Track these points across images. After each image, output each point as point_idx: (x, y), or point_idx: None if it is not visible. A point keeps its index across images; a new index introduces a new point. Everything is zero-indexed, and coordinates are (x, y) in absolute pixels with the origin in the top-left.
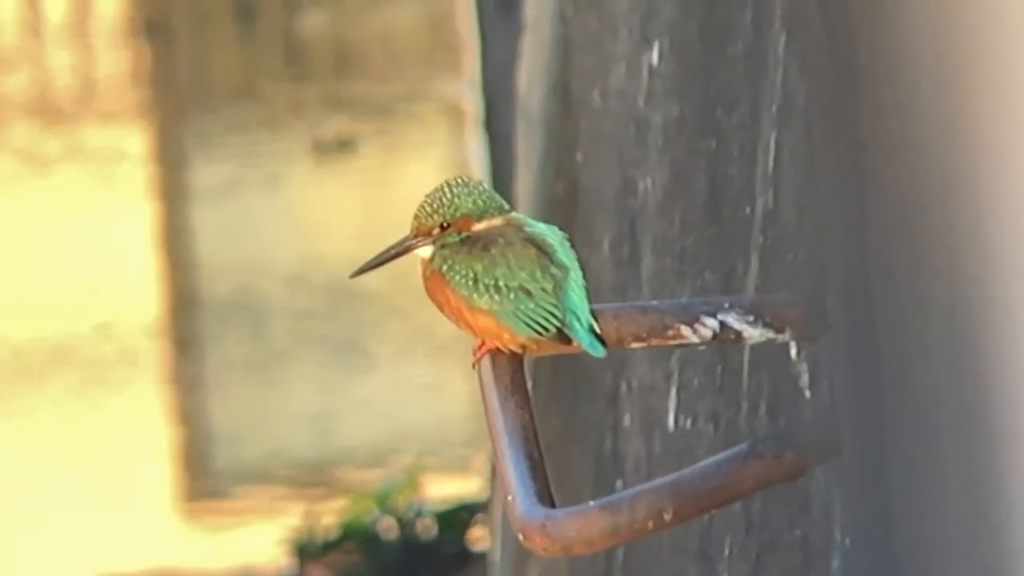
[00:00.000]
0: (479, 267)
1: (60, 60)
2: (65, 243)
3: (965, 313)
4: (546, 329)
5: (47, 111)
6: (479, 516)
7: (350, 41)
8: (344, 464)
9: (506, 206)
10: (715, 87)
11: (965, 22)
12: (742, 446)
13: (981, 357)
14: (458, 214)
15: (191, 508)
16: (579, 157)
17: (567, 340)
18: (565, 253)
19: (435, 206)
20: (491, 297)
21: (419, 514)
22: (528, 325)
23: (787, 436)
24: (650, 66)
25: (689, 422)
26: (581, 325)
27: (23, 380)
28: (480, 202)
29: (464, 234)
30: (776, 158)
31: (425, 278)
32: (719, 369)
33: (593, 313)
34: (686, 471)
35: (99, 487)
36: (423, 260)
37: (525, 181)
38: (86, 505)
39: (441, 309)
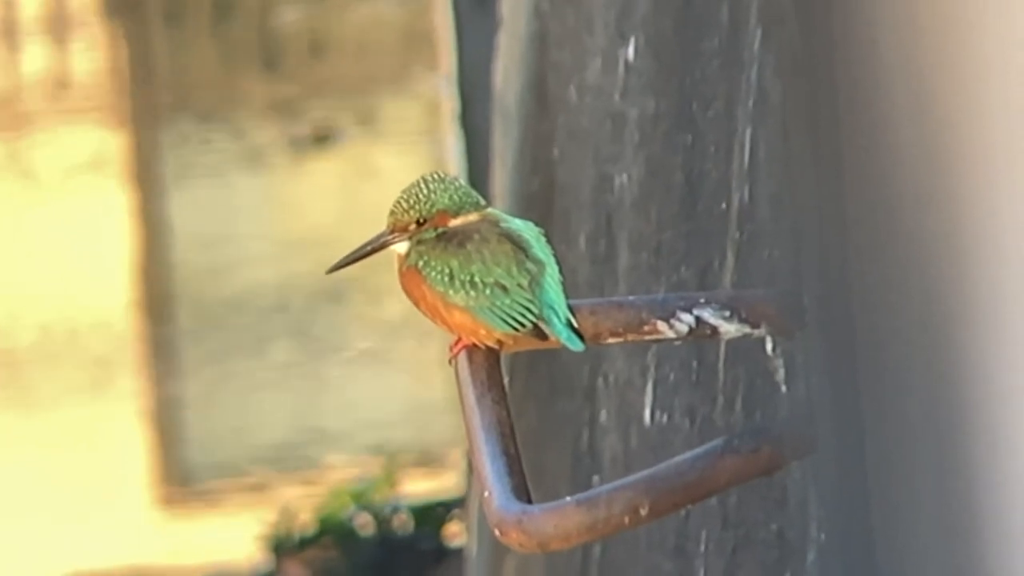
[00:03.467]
0: (455, 263)
1: (33, 54)
2: (39, 239)
3: (941, 309)
4: (522, 324)
5: (20, 106)
6: (456, 512)
7: (326, 36)
8: (321, 460)
9: (482, 202)
10: (691, 83)
11: (941, 19)
12: (718, 441)
13: (956, 353)
14: (434, 210)
15: (167, 505)
16: (555, 152)
17: (543, 335)
18: (541, 249)
19: (411, 202)
20: (467, 293)
21: (396, 510)
22: (504, 321)
23: (763, 431)
24: (626, 61)
25: (665, 417)
26: (559, 320)
27: None
28: (456, 198)
29: (440, 230)
30: (752, 154)
31: (401, 274)
32: (695, 364)
33: (570, 308)
34: (662, 466)
35: (74, 484)
36: (399, 256)
37: (501, 177)
38: (61, 502)
39: (417, 305)
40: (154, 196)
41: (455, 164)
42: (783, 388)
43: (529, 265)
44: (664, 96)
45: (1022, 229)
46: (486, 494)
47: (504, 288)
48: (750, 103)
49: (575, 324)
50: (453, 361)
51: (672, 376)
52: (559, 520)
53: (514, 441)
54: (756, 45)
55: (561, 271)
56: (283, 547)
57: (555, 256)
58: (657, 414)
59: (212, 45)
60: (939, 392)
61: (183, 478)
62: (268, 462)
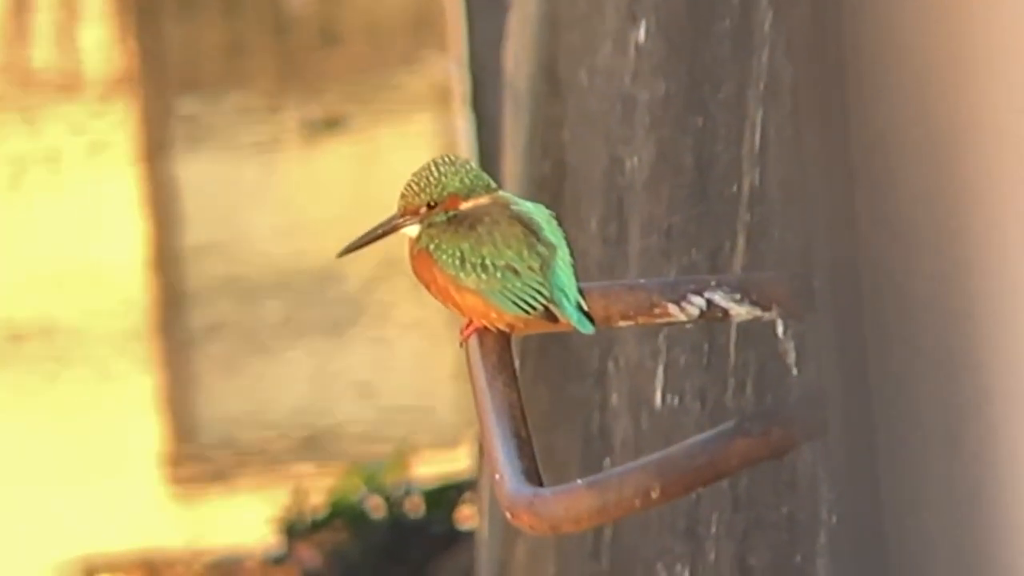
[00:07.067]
0: (466, 246)
1: (43, 35)
2: (49, 219)
3: (951, 290)
4: (533, 307)
5: (31, 87)
6: (467, 495)
7: (337, 18)
8: (332, 442)
9: (493, 185)
10: (702, 65)
11: (954, 4)
12: (729, 424)
13: (967, 336)
14: (445, 193)
15: (179, 487)
16: (566, 135)
17: (554, 318)
18: (552, 231)
19: (422, 185)
20: (478, 276)
21: (407, 493)
22: (515, 303)
23: (774, 413)
24: (637, 44)
25: (676, 400)
26: (569, 303)
27: (7, 356)
28: (467, 181)
29: (451, 213)
30: (762, 136)
31: (412, 257)
32: (706, 347)
33: (581, 291)
34: (673, 449)
35: (86, 466)
36: (410, 239)
37: (512, 160)
38: (73, 483)
39: (428, 288)
40: (164, 177)
41: (466, 147)
42: (794, 370)
43: (540, 248)
44: (675, 78)
45: None
46: (497, 477)
47: (515, 271)
48: (761, 85)
49: (586, 307)
50: (464, 344)
51: (683, 359)
52: (570, 503)
53: (525, 424)
54: (767, 26)
55: (572, 254)
56: (295, 530)
57: (566, 239)
58: (668, 397)
59: (223, 27)
60: (949, 373)
61: (196, 460)
62: (279, 444)
